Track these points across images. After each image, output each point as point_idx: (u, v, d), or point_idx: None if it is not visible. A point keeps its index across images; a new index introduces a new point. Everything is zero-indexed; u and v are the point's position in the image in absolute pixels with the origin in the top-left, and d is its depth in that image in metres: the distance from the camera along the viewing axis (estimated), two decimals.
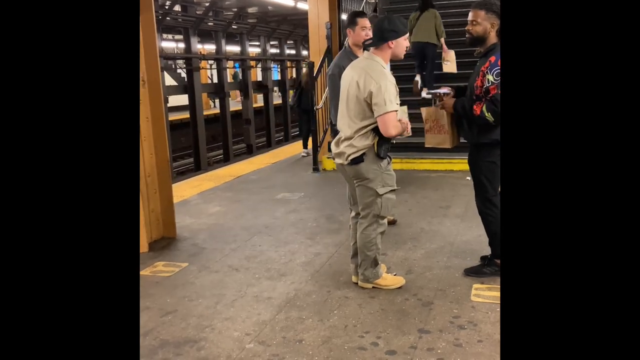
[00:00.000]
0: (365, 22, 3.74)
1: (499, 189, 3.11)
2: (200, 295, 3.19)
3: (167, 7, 14.36)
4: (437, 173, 6.27)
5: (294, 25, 20.57)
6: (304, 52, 23.59)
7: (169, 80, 15.71)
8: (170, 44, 23.80)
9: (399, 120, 2.86)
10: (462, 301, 2.95)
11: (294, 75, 23.59)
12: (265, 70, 19.81)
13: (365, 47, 3.07)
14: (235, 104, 21.37)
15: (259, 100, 23.97)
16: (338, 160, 3.04)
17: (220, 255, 3.86)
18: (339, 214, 4.76)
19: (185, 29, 15.36)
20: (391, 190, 3.00)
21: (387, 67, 2.95)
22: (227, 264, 3.69)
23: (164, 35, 19.53)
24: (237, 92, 20.29)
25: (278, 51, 23.12)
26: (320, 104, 6.95)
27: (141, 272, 3.56)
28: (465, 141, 3.25)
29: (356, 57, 3.47)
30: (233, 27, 17.85)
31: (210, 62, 19.14)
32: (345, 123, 2.96)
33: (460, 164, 6.03)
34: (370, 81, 2.81)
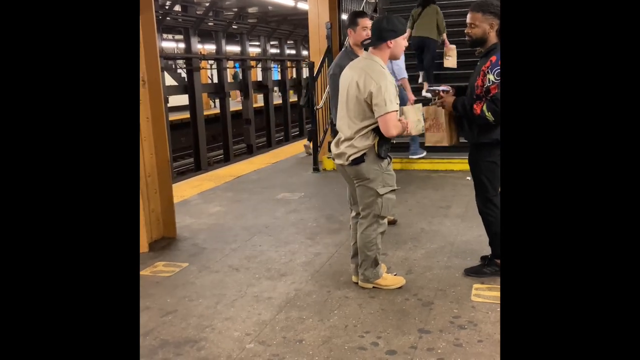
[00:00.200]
0: (366, 22, 3.74)
1: (499, 189, 3.11)
2: (200, 295, 3.19)
3: (167, 7, 14.37)
4: (437, 173, 6.27)
5: (294, 25, 20.58)
6: (304, 52, 23.59)
7: (169, 80, 15.73)
8: (171, 44, 23.81)
9: (399, 120, 2.87)
10: (462, 301, 2.95)
11: (294, 75, 23.60)
12: (266, 70, 19.82)
13: (365, 47, 3.07)
14: (235, 104, 21.38)
15: (259, 100, 23.97)
16: (338, 161, 3.04)
17: (221, 255, 3.86)
18: (339, 214, 4.76)
19: (186, 29, 15.37)
20: (391, 190, 3.00)
21: (386, 67, 2.95)
22: (227, 264, 3.69)
23: (164, 35, 19.54)
24: (238, 92, 20.30)
25: (278, 51, 23.13)
26: (321, 104, 6.95)
27: (141, 272, 3.56)
28: (466, 141, 3.25)
29: (357, 57, 3.48)
30: (233, 27, 17.85)
31: (211, 62, 19.15)
32: (345, 124, 2.95)
33: (461, 163, 6.03)
34: (370, 82, 2.81)
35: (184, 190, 5.98)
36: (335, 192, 5.60)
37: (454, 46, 7.30)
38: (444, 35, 7.29)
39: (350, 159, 2.91)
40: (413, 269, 3.45)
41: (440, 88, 3.20)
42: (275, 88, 21.07)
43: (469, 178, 3.77)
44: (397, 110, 2.84)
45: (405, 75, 5.56)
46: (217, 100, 19.33)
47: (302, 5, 14.48)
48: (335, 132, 3.35)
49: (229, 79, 19.31)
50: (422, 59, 7.38)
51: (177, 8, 14.84)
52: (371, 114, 2.85)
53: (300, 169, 7.06)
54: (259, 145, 19.14)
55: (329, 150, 6.37)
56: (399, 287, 3.14)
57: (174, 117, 17.92)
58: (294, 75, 23.69)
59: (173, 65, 18.74)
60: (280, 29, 20.48)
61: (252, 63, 19.89)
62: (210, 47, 21.68)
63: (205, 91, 17.38)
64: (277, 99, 21.28)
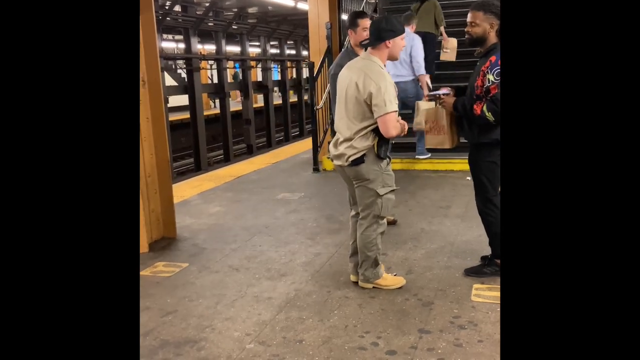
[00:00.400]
0: (366, 22, 3.75)
1: (499, 189, 3.11)
2: (200, 295, 3.19)
3: (167, 8, 14.36)
4: (437, 173, 6.27)
5: (294, 26, 20.58)
6: (304, 52, 23.59)
7: (169, 81, 15.72)
8: (171, 44, 23.81)
9: (398, 121, 2.87)
10: (462, 301, 2.95)
11: (294, 76, 23.60)
12: (266, 70, 19.82)
13: (364, 47, 3.07)
14: (235, 104, 21.37)
15: (259, 101, 23.98)
16: (337, 162, 3.03)
17: (221, 255, 3.86)
18: (339, 214, 4.76)
19: (186, 29, 15.37)
20: (391, 191, 3.00)
21: (385, 67, 2.95)
22: (227, 264, 3.69)
23: (164, 36, 19.53)
24: (237, 92, 20.30)
25: (278, 51, 23.13)
26: (320, 104, 6.95)
27: (141, 273, 3.56)
28: (466, 141, 3.25)
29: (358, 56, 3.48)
30: (233, 27, 17.86)
31: (211, 62, 19.15)
32: (345, 124, 2.95)
33: (461, 164, 6.03)
34: (369, 82, 2.81)
35: (184, 190, 5.98)
36: (335, 192, 5.60)
37: (453, 39, 7.30)
38: (442, 29, 7.31)
39: (350, 159, 2.91)
40: (413, 269, 3.44)
41: (441, 92, 3.20)
42: (275, 88, 21.07)
43: (469, 178, 3.77)
44: (396, 111, 2.84)
45: (423, 72, 5.73)
46: (217, 101, 19.33)
47: (302, 6, 14.48)
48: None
49: (229, 79, 19.31)
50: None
51: (177, 8, 14.84)
52: (370, 115, 2.84)
53: (301, 169, 7.06)
54: (259, 146, 19.14)
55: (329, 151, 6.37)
56: (399, 287, 3.14)
57: (174, 117, 17.92)
58: (294, 76, 23.69)
59: (173, 66, 18.75)
60: (280, 29, 20.48)
61: (252, 63, 19.88)
62: (210, 48, 21.68)
63: (205, 91, 17.38)
64: (277, 99, 21.27)
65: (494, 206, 3.12)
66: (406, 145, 6.69)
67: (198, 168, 14.89)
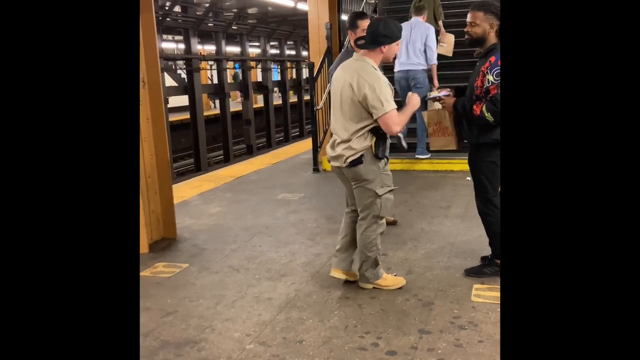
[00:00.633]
0: (366, 24, 3.74)
1: (499, 189, 3.11)
2: (200, 296, 3.19)
3: (167, 8, 14.36)
4: (437, 173, 6.27)
5: (294, 26, 20.58)
6: (304, 53, 23.59)
7: (169, 81, 15.71)
8: (171, 44, 23.80)
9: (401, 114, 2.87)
10: (462, 301, 2.95)
11: (294, 76, 23.60)
12: (266, 70, 19.82)
13: (359, 47, 3.05)
14: (235, 104, 21.38)
15: (259, 101, 23.98)
16: (335, 163, 3.02)
17: (221, 256, 3.86)
18: (340, 214, 4.73)
19: (186, 30, 15.37)
20: (389, 191, 3.00)
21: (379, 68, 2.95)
22: (227, 264, 3.69)
23: (164, 36, 19.53)
24: (237, 92, 20.30)
25: (278, 52, 23.13)
26: (320, 105, 6.95)
27: (142, 273, 3.56)
28: (466, 141, 3.25)
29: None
30: (233, 27, 17.85)
31: (211, 62, 19.15)
32: (341, 126, 2.93)
33: (461, 164, 6.03)
34: (363, 84, 2.80)
35: (184, 191, 5.98)
36: (336, 192, 5.60)
37: (450, 35, 7.32)
38: (440, 23, 7.33)
39: (348, 160, 2.90)
40: (413, 269, 3.44)
41: (442, 94, 3.20)
42: (275, 89, 21.07)
43: (469, 178, 3.78)
44: (395, 108, 2.83)
45: (435, 61, 6.01)
46: (217, 101, 19.33)
47: (302, 6, 14.48)
48: None
49: (229, 80, 19.31)
50: None
51: (177, 9, 14.84)
52: (367, 115, 2.84)
53: (301, 170, 7.06)
54: (259, 146, 19.14)
55: None
56: (399, 288, 3.14)
57: (174, 117, 17.92)
58: (294, 76, 23.69)
59: (173, 66, 18.74)
60: (280, 29, 20.48)
61: (252, 64, 19.88)
62: (210, 48, 21.69)
63: (205, 92, 17.38)
64: (277, 100, 21.27)
65: (494, 206, 3.11)
66: (407, 146, 6.67)
67: (198, 168, 14.89)
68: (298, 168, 7.20)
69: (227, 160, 16.36)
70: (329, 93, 5.92)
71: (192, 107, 15.23)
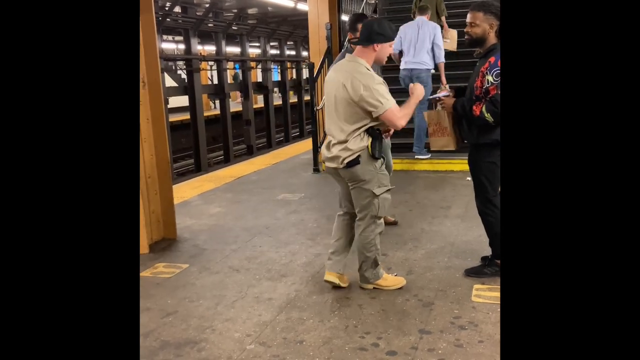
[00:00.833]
0: None
1: (499, 190, 3.11)
2: (200, 296, 3.19)
3: (167, 9, 14.36)
4: (437, 173, 6.27)
5: (294, 26, 20.57)
6: (304, 53, 23.59)
7: (169, 82, 15.71)
8: (171, 45, 23.81)
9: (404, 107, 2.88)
10: (462, 302, 2.95)
11: (294, 76, 23.60)
12: (266, 71, 19.81)
13: (353, 44, 3.05)
14: (235, 105, 21.37)
15: (259, 101, 23.97)
16: (331, 164, 2.99)
17: (221, 256, 3.86)
18: None
19: (186, 30, 15.37)
20: (387, 190, 3.00)
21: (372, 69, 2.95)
22: (227, 265, 3.69)
23: (164, 37, 19.53)
24: (238, 93, 20.29)
25: (278, 52, 23.13)
26: (320, 105, 6.94)
27: (142, 274, 3.56)
28: (466, 141, 3.25)
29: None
30: (233, 28, 17.85)
31: (211, 63, 19.15)
32: (337, 127, 2.91)
33: (461, 164, 6.03)
34: (358, 85, 2.78)
35: (184, 191, 5.98)
36: (336, 192, 5.54)
37: (453, 30, 7.36)
38: (443, 19, 7.35)
39: (346, 161, 2.88)
40: (413, 269, 3.44)
41: (441, 94, 3.21)
42: (275, 89, 21.06)
43: (469, 179, 3.77)
44: (394, 103, 2.82)
45: (443, 59, 6.15)
46: (217, 101, 19.32)
47: (302, 6, 14.48)
48: None
49: (229, 80, 19.31)
50: None
51: (177, 9, 14.84)
52: (363, 116, 2.82)
53: (301, 170, 7.06)
54: (259, 146, 19.13)
55: None
56: (400, 288, 3.14)
57: (174, 118, 17.92)
58: (294, 76, 23.69)
59: (173, 67, 18.74)
60: (280, 29, 20.48)
61: (252, 64, 19.87)
62: (210, 48, 21.68)
63: (205, 92, 17.37)
64: (277, 100, 21.27)
65: (494, 206, 3.11)
66: (407, 146, 6.68)
67: (198, 169, 14.89)
68: (298, 168, 7.20)
69: (227, 161, 16.36)
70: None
71: (192, 107, 15.23)
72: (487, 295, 3.02)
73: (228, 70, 18.64)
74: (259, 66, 20.73)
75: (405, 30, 6.27)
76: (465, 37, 3.08)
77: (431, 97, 3.34)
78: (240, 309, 2.99)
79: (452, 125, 3.19)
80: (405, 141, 6.70)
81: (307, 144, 8.56)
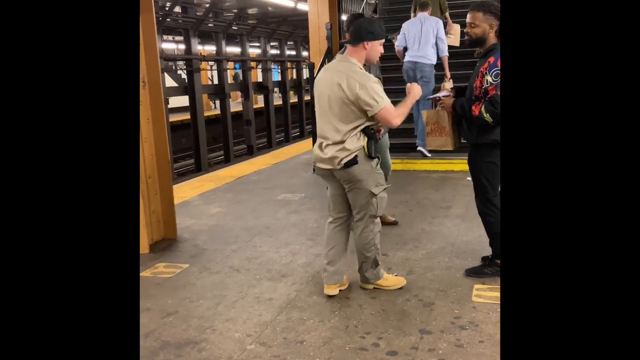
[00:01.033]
0: None
1: (499, 189, 3.11)
2: (201, 296, 3.19)
3: (167, 9, 14.36)
4: (437, 173, 6.27)
5: (294, 26, 20.57)
6: (305, 53, 23.59)
7: (170, 82, 15.71)
8: (171, 45, 23.81)
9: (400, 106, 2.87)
10: (463, 302, 2.95)
11: (294, 76, 23.60)
12: (266, 71, 19.81)
13: (346, 43, 3.03)
14: (235, 105, 21.37)
15: (259, 101, 23.97)
16: (325, 166, 2.93)
17: (221, 256, 3.86)
18: None
19: (186, 30, 15.37)
20: (384, 189, 2.99)
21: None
22: (227, 265, 3.69)
23: (165, 37, 19.52)
24: (238, 93, 20.29)
25: (278, 52, 23.13)
26: None
27: (142, 274, 3.56)
28: (466, 141, 3.25)
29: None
30: (233, 28, 17.85)
31: (211, 63, 19.15)
32: (332, 128, 2.86)
33: (461, 164, 6.02)
34: (354, 84, 2.76)
35: (185, 191, 5.98)
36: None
37: (457, 25, 7.38)
38: (447, 14, 7.38)
39: (343, 162, 2.84)
40: (414, 269, 3.44)
41: (441, 94, 3.21)
42: (276, 89, 21.06)
43: (469, 179, 3.77)
44: (389, 102, 2.82)
45: (446, 53, 6.27)
46: (218, 102, 19.32)
47: (302, 6, 14.48)
48: None
49: (229, 80, 19.30)
50: None
51: (178, 9, 14.84)
52: (359, 115, 2.81)
53: (301, 170, 7.06)
54: (259, 146, 19.13)
55: None
56: (400, 288, 3.14)
57: (175, 118, 17.92)
58: (294, 76, 23.69)
59: (173, 67, 18.74)
60: (280, 29, 20.47)
61: (253, 64, 19.87)
62: (211, 48, 21.67)
63: (205, 92, 17.36)
64: (277, 100, 21.27)
65: (494, 206, 3.11)
66: (407, 146, 6.69)
67: (198, 169, 14.89)
68: (298, 168, 7.20)
69: (227, 161, 16.35)
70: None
71: (193, 107, 15.22)
72: (488, 295, 3.01)
73: (228, 70, 18.63)
74: (259, 66, 20.72)
75: (409, 27, 6.33)
76: (465, 37, 3.08)
77: (431, 97, 3.34)
78: (240, 309, 2.99)
79: (451, 125, 3.19)
80: (406, 141, 6.71)
81: (307, 144, 8.57)
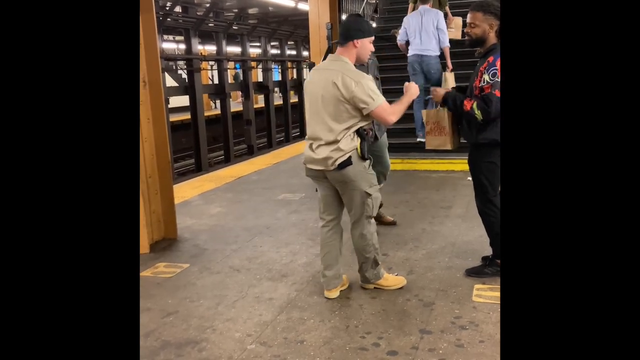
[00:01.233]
0: None
1: (499, 189, 3.11)
2: (201, 296, 3.19)
3: (167, 8, 14.37)
4: (437, 173, 6.27)
5: (294, 26, 20.57)
6: (305, 53, 23.59)
7: (170, 82, 15.71)
8: (171, 45, 23.82)
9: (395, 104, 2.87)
10: (463, 302, 2.95)
11: (295, 76, 23.60)
12: (266, 71, 19.81)
13: (337, 44, 3.01)
14: (236, 104, 21.37)
15: (259, 101, 23.97)
16: (318, 167, 2.90)
17: (222, 256, 3.86)
18: (345, 214, 4.75)
19: (186, 30, 15.37)
20: (377, 189, 2.99)
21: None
22: (228, 264, 3.69)
23: (165, 37, 19.53)
24: (238, 92, 20.29)
25: (279, 52, 23.13)
26: None
27: (142, 273, 3.56)
28: (466, 141, 3.25)
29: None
30: (234, 28, 17.85)
31: (211, 63, 19.15)
32: (325, 128, 2.83)
33: (461, 164, 6.02)
34: (350, 82, 2.75)
35: (185, 191, 5.98)
36: None
37: (458, 18, 7.39)
38: (447, 8, 7.39)
39: (337, 162, 2.80)
40: (414, 269, 3.44)
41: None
42: (276, 89, 21.06)
43: (469, 179, 3.77)
44: (384, 100, 2.81)
45: (447, 44, 6.32)
46: (218, 101, 19.33)
47: (303, 6, 14.48)
48: None
49: (230, 80, 19.30)
50: None
51: (178, 9, 14.84)
52: (354, 114, 2.79)
53: (301, 170, 7.01)
54: (259, 146, 19.13)
55: None
56: (400, 288, 3.13)
57: (175, 118, 17.92)
58: (295, 76, 23.69)
59: (174, 66, 18.73)
60: (281, 29, 20.47)
61: (253, 64, 19.87)
62: (211, 48, 21.68)
63: (206, 92, 17.36)
64: (277, 100, 21.27)
65: (494, 206, 3.11)
66: (407, 146, 6.69)
67: (199, 169, 14.89)
68: (299, 168, 7.15)
69: (227, 161, 16.35)
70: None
71: (193, 107, 15.23)
72: (488, 295, 3.01)
73: (229, 70, 18.63)
74: (260, 66, 20.73)
75: (409, 20, 6.37)
76: (466, 37, 3.08)
77: (427, 97, 3.35)
78: (240, 309, 2.99)
79: (451, 125, 3.19)
80: (406, 141, 6.71)
81: None
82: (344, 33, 2.88)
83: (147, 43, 3.97)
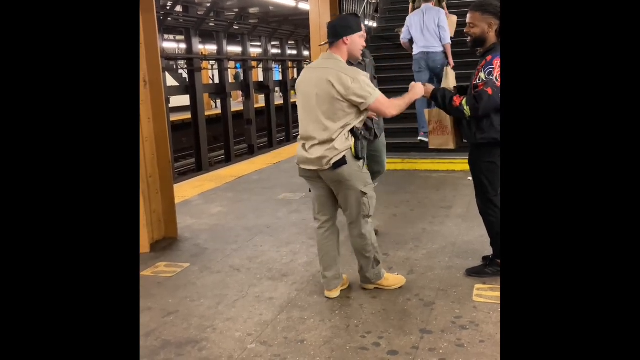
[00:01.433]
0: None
1: (500, 189, 3.11)
2: (201, 295, 3.19)
3: (168, 8, 14.37)
4: (438, 173, 6.27)
5: (295, 26, 20.57)
6: (306, 53, 23.59)
7: (171, 81, 15.73)
8: (172, 44, 23.82)
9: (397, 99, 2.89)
10: (464, 301, 2.95)
11: (295, 76, 23.60)
12: (267, 70, 19.82)
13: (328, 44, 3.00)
14: (236, 104, 21.38)
15: (260, 101, 23.98)
16: (312, 167, 2.87)
17: (222, 255, 3.86)
18: (340, 214, 4.75)
19: (187, 30, 15.37)
20: (372, 188, 2.99)
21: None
22: (228, 264, 3.69)
23: (166, 36, 19.53)
24: (239, 92, 20.31)
25: (279, 51, 23.14)
26: None
27: (143, 273, 3.56)
28: (466, 141, 3.25)
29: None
30: (234, 27, 17.85)
31: (212, 62, 19.16)
32: (319, 127, 2.81)
33: (462, 164, 6.02)
34: (346, 78, 2.73)
35: (186, 190, 5.98)
36: None
37: (453, 16, 7.41)
38: (444, 5, 7.41)
39: (332, 162, 2.79)
40: (414, 269, 3.44)
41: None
42: (277, 88, 21.06)
43: (470, 178, 3.77)
44: (381, 94, 2.81)
45: (449, 40, 6.36)
46: (219, 101, 19.33)
47: (303, 6, 14.48)
48: None
49: (230, 80, 19.31)
50: None
51: (179, 9, 14.84)
52: (350, 111, 2.78)
53: None
54: (260, 146, 19.14)
55: None
56: (400, 287, 3.13)
57: (176, 117, 17.93)
58: (295, 76, 23.69)
59: (174, 66, 18.75)
60: (282, 29, 20.47)
61: (254, 63, 19.87)
62: (212, 48, 21.67)
63: (206, 91, 17.37)
64: (278, 100, 21.27)
65: (495, 206, 3.11)
66: (407, 146, 6.69)
67: (199, 168, 14.90)
68: None
69: (228, 160, 16.36)
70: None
71: (194, 106, 15.23)
72: (489, 295, 3.01)
73: (229, 70, 18.64)
74: (260, 65, 20.73)
75: (412, 19, 6.42)
76: (467, 38, 3.07)
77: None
78: (241, 309, 2.99)
79: (453, 125, 3.19)
80: (406, 141, 6.71)
81: None
82: (332, 32, 2.87)
83: (147, 42, 3.97)
